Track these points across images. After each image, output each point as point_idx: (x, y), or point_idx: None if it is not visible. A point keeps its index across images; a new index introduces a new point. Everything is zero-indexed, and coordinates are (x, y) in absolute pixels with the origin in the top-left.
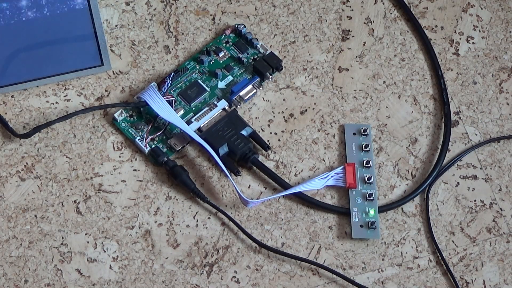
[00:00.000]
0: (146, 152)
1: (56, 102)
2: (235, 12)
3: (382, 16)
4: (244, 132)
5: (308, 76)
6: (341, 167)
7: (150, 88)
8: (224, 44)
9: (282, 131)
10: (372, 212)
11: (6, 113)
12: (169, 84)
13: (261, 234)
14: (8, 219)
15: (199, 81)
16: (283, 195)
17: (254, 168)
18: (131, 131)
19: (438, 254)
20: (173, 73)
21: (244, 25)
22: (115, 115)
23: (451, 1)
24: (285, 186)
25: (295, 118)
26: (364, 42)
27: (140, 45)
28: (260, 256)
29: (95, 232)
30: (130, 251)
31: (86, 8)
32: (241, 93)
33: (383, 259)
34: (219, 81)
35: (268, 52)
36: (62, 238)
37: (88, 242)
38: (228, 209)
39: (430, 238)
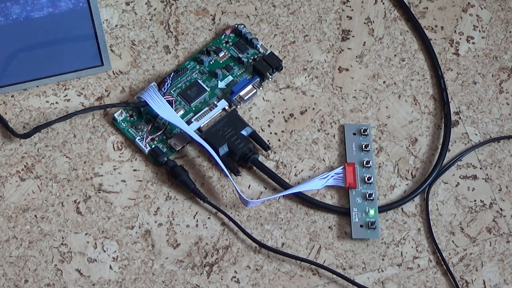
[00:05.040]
0: (146, 152)
1: (56, 102)
2: (235, 12)
3: (382, 16)
4: (244, 132)
5: (308, 76)
6: (341, 167)
7: (150, 88)
8: (224, 44)
9: (282, 131)
10: (372, 212)
11: (6, 113)
12: (169, 84)
13: (261, 234)
14: (8, 219)
15: (199, 81)
16: (283, 195)
17: (254, 168)
18: (131, 131)
19: (438, 254)
20: (173, 73)
21: (244, 25)
22: (115, 115)
23: (451, 1)
24: (285, 186)
25: (295, 118)
26: (364, 42)
27: (140, 45)
28: (260, 256)
29: (95, 232)
30: (130, 251)
31: (86, 8)
32: (241, 93)
33: (383, 259)
34: (219, 81)
35: (268, 52)
36: (62, 238)
37: (88, 242)
38: (228, 209)
39: (430, 238)
